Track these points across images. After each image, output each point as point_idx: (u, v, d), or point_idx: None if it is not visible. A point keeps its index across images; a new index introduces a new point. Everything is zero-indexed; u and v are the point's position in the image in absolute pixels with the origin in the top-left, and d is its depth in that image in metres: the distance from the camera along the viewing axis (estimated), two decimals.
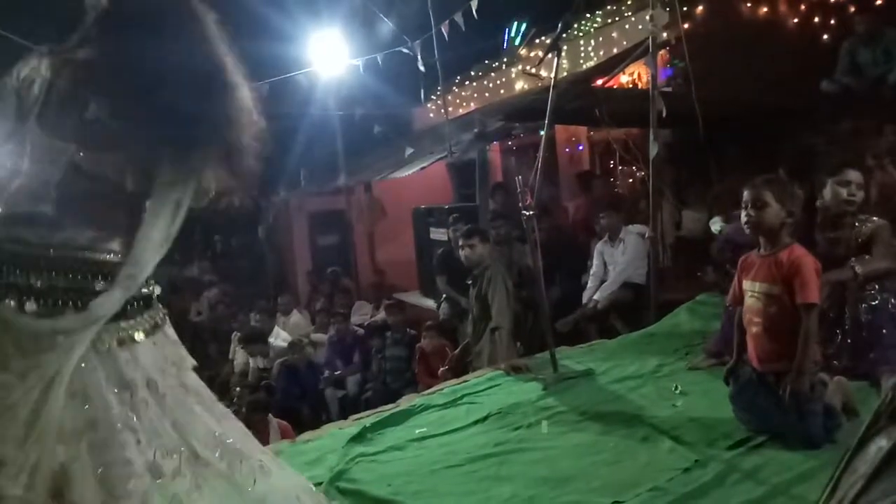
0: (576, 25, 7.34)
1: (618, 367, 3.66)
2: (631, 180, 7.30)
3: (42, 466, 1.35)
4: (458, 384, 3.69)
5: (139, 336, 1.51)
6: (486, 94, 9.46)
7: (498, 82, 9.33)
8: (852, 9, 5.85)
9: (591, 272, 5.37)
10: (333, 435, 3.12)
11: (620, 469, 2.48)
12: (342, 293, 8.88)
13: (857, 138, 4.75)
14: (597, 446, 2.70)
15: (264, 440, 4.17)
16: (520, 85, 8.77)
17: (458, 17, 6.11)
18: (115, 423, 1.41)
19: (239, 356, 7.15)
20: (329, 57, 8.25)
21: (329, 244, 11.23)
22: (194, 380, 1.64)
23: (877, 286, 2.97)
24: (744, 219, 2.63)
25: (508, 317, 4.11)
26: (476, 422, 3.10)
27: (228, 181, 1.61)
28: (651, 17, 4.66)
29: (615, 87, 6.60)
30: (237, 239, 11.93)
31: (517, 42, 8.76)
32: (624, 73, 6.56)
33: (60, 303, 1.42)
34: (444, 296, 6.19)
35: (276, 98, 7.76)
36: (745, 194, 2.60)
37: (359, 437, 3.01)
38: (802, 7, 6.31)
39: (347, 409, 6.01)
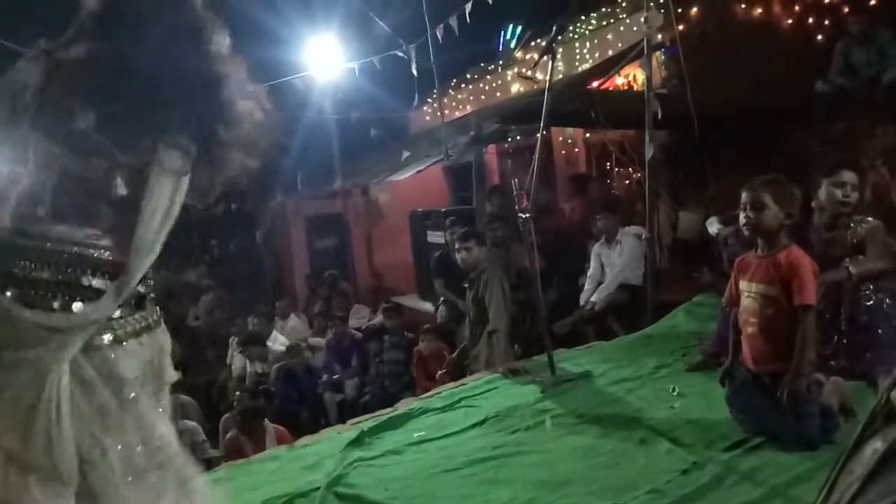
0: (571, 28, 7.35)
1: (615, 369, 3.66)
2: (627, 182, 7.30)
3: (65, 451, 1.39)
4: (456, 387, 3.69)
5: (127, 336, 1.52)
6: (482, 97, 9.47)
7: (493, 85, 9.33)
8: (846, 9, 5.86)
9: (589, 274, 5.37)
10: (331, 439, 3.12)
11: (618, 471, 2.48)
12: (340, 297, 8.88)
13: (852, 139, 4.76)
14: (595, 449, 2.71)
15: (260, 446, 4.17)
16: (515, 88, 8.77)
17: (453, 21, 6.13)
18: (119, 412, 1.47)
19: (237, 361, 7.14)
20: (325, 60, 8.27)
21: (326, 248, 11.22)
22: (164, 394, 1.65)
23: (872, 286, 2.97)
24: (742, 220, 2.63)
25: (505, 319, 4.10)
26: (474, 425, 3.10)
27: (227, 178, 1.61)
28: (646, 19, 4.66)
29: (611, 89, 6.61)
30: (234, 243, 11.92)
31: (512, 45, 8.78)
32: (619, 75, 6.57)
33: (50, 295, 1.44)
34: (441, 299, 6.19)
35: (273, 102, 7.77)
36: (744, 196, 2.60)
37: (357, 442, 3.01)
38: (796, 8, 6.32)
39: (346, 412, 6.00)
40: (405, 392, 5.58)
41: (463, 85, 9.87)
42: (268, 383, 6.47)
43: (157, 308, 1.63)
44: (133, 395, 1.50)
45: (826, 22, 6.19)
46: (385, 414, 3.39)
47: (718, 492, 2.22)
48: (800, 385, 2.41)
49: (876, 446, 0.93)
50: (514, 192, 3.72)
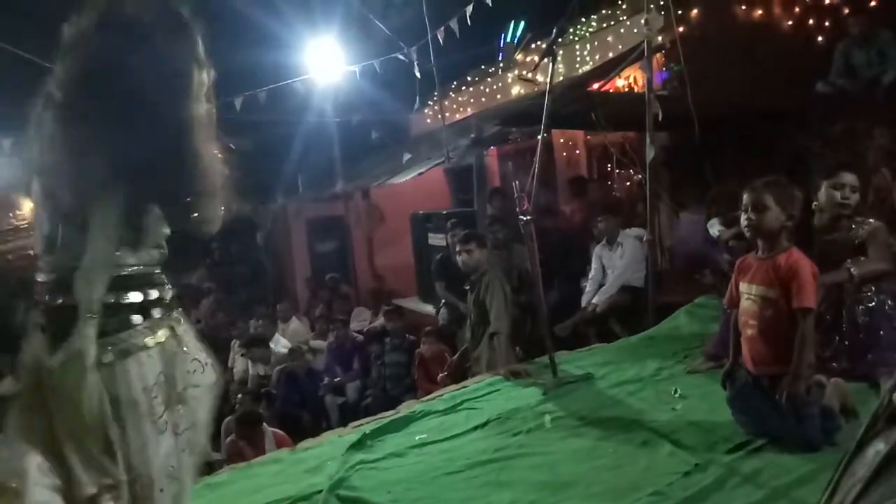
0: (571, 30, 7.36)
1: (617, 371, 3.66)
2: (628, 184, 7.31)
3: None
4: (458, 390, 3.69)
5: (137, 349, 1.54)
6: (483, 100, 9.48)
7: (494, 87, 9.34)
8: (846, 11, 5.86)
9: (590, 276, 5.37)
10: (333, 442, 3.11)
11: (620, 474, 2.48)
12: (341, 299, 8.89)
13: (852, 140, 4.76)
14: (597, 451, 2.70)
15: (259, 451, 4.17)
16: (516, 90, 8.78)
17: (454, 24, 6.14)
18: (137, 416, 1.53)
19: (238, 364, 7.15)
20: (326, 64, 8.28)
21: (327, 250, 11.23)
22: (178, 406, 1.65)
23: (873, 288, 2.97)
24: (744, 222, 2.62)
25: (507, 322, 4.10)
26: (476, 427, 3.10)
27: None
28: (646, 20, 4.66)
29: (611, 91, 6.62)
30: (235, 246, 11.92)
31: (513, 47, 8.78)
32: (620, 77, 6.58)
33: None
34: (442, 301, 6.19)
35: (274, 105, 7.79)
36: (745, 198, 2.59)
37: (359, 445, 3.00)
38: (797, 9, 6.33)
39: (347, 415, 6.00)
40: (407, 394, 5.58)
41: (463, 87, 9.89)
42: (269, 386, 6.47)
43: (170, 315, 1.62)
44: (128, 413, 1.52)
45: (826, 23, 6.19)
46: (387, 416, 3.39)
47: (720, 494, 2.22)
48: (798, 388, 2.41)
49: (878, 448, 0.93)
50: (515, 195, 3.72)
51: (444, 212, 7.48)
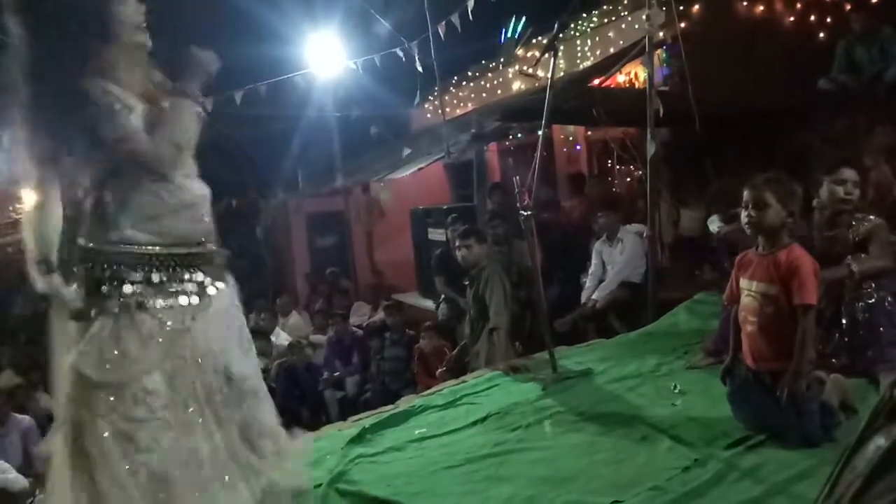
0: (572, 25, 7.35)
1: (616, 367, 3.66)
2: (629, 180, 7.30)
3: None
4: (458, 385, 3.69)
5: (150, 302, 1.82)
6: (483, 95, 9.46)
7: (495, 82, 9.33)
8: (848, 7, 5.85)
9: (590, 272, 5.37)
10: (333, 436, 3.12)
11: (620, 468, 2.48)
12: (341, 294, 8.88)
13: (854, 136, 4.76)
14: (596, 446, 2.71)
15: None
16: (517, 85, 8.77)
17: (455, 18, 6.12)
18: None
19: None
20: (326, 58, 8.26)
21: (327, 245, 11.22)
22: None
23: (873, 284, 2.97)
24: (744, 219, 2.62)
25: (506, 317, 4.11)
26: (475, 422, 3.10)
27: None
28: (647, 16, 4.65)
29: (612, 86, 6.61)
30: (235, 240, 11.91)
31: (514, 42, 8.76)
32: (621, 73, 6.56)
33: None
34: (442, 296, 6.19)
35: (274, 99, 7.78)
36: (746, 194, 2.58)
37: (358, 439, 3.01)
38: (798, 5, 6.32)
39: (347, 410, 6.01)
40: (406, 389, 5.58)
41: (464, 82, 9.87)
42: (268, 380, 6.47)
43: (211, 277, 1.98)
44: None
45: (828, 19, 6.18)
46: (386, 411, 3.39)
47: (719, 489, 2.22)
48: (799, 385, 2.41)
49: (879, 443, 0.93)
50: (516, 190, 3.72)
51: (445, 207, 7.46)
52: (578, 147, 8.08)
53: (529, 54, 8.28)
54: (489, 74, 9.42)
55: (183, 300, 1.88)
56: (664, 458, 2.51)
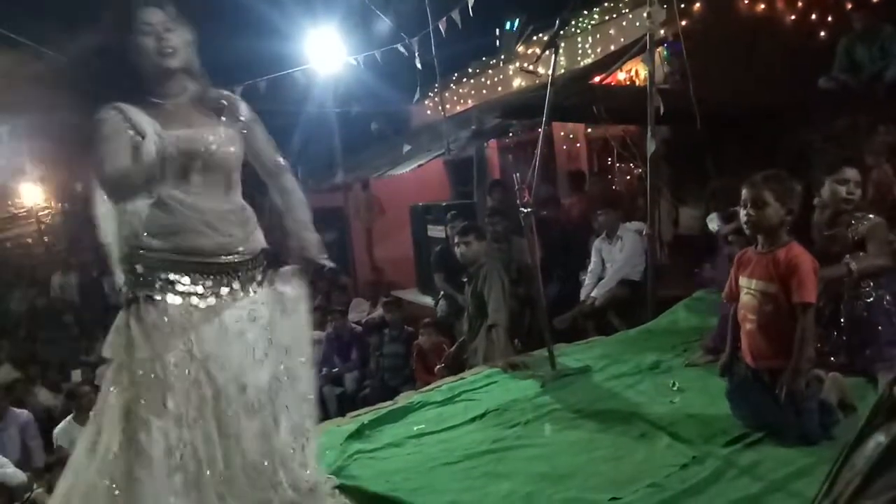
0: (573, 22, 7.33)
1: (615, 364, 3.67)
2: (629, 177, 7.30)
3: None
4: (456, 381, 3.69)
5: (159, 296, 1.96)
6: (484, 92, 9.45)
7: (495, 79, 9.32)
8: (849, 6, 5.84)
9: (589, 269, 5.37)
10: (331, 432, 3.12)
11: (618, 465, 2.48)
12: (340, 290, 8.87)
13: (855, 135, 4.75)
14: (594, 443, 2.71)
15: None
16: (517, 82, 8.76)
17: (456, 15, 6.11)
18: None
19: None
20: (327, 54, 8.25)
21: (326, 241, 11.09)
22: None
23: (872, 283, 2.97)
24: (743, 218, 2.61)
25: (504, 314, 4.10)
26: (474, 419, 3.10)
27: None
28: (648, 13, 4.64)
29: (613, 84, 6.60)
30: None
31: (515, 37, 8.75)
32: (622, 70, 6.55)
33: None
34: (441, 293, 6.19)
35: (274, 95, 7.77)
36: (745, 193, 2.57)
37: (357, 434, 3.01)
38: (799, 4, 6.31)
39: (345, 406, 6.01)
40: (405, 385, 5.58)
41: (464, 79, 9.86)
42: None
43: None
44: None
45: (829, 18, 6.17)
46: (385, 407, 3.39)
47: (718, 486, 2.22)
48: (799, 383, 2.41)
49: (878, 440, 0.93)
50: (516, 187, 3.71)
51: (444, 204, 7.46)
52: (579, 144, 8.07)
53: (530, 51, 8.27)
54: (490, 71, 9.41)
55: (194, 300, 2.00)
56: (663, 455, 2.51)
